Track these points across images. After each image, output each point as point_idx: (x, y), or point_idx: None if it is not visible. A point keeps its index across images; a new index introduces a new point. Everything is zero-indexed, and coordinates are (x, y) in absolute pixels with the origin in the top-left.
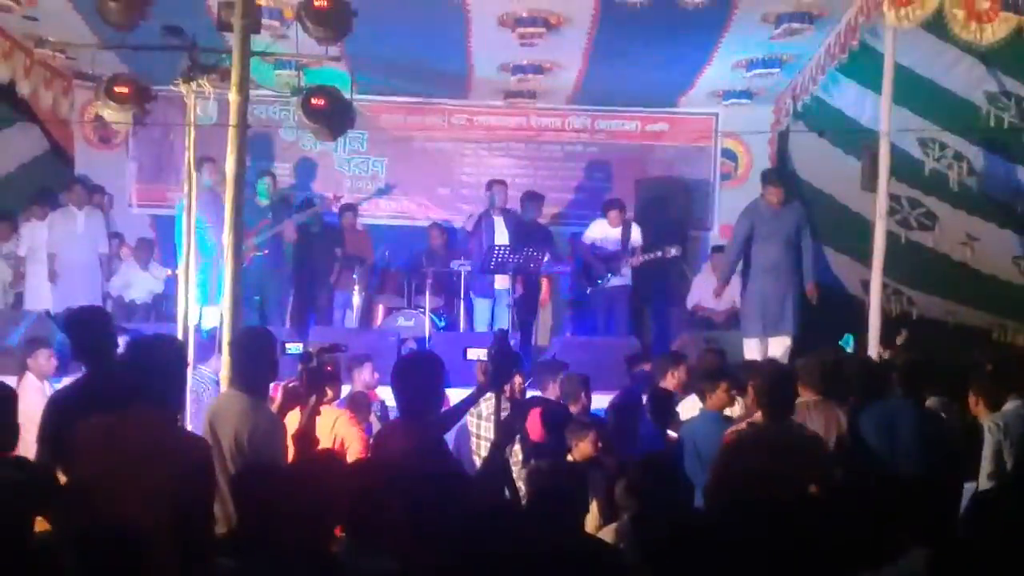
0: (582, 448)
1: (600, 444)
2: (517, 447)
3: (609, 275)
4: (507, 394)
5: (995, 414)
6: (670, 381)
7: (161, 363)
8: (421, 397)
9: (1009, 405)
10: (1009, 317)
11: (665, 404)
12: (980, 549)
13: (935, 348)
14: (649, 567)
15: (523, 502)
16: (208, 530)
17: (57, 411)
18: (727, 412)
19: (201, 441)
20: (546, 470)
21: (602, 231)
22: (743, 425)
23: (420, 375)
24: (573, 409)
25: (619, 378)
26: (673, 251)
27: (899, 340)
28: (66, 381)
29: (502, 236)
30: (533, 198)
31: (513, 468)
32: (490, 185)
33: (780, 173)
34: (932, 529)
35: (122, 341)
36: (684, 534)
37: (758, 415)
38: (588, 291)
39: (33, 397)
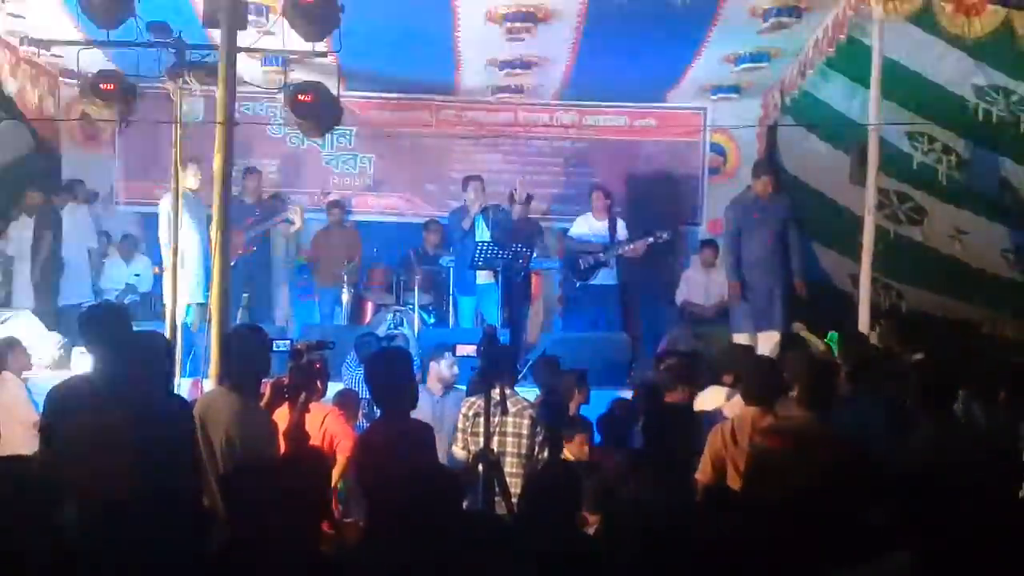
0: (573, 448)
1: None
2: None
3: (597, 269)
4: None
5: None
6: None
7: (148, 360)
8: (393, 391)
9: None
10: (999, 310)
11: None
12: (969, 552)
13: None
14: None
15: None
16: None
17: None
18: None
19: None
20: (540, 468)
21: (587, 225)
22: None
23: (388, 370)
24: (571, 405)
25: (609, 374)
26: (665, 235)
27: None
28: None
29: (483, 233)
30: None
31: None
32: (466, 182)
33: (771, 164)
34: (920, 528)
35: None
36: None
37: (748, 409)
38: (577, 285)
39: (14, 392)
